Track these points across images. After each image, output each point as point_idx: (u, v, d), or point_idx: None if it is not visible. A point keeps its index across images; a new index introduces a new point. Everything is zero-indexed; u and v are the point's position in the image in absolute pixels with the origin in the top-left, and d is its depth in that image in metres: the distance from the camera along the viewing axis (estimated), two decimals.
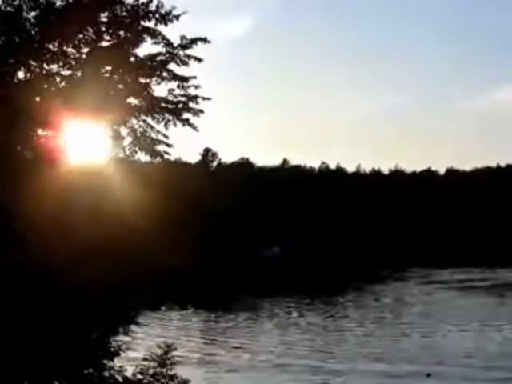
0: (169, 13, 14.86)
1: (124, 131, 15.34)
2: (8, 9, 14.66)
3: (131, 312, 16.63)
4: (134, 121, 15.28)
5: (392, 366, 37.49)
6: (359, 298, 68.20)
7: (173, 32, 14.99)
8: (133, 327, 16.87)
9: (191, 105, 15.28)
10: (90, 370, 15.72)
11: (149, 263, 16.45)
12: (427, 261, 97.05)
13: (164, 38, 15.05)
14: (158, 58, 15.12)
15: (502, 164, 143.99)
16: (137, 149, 15.35)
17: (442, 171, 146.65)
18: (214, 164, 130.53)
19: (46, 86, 14.99)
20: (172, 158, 16.16)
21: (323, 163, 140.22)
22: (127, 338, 16.74)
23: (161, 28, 14.87)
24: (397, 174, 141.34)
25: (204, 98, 15.29)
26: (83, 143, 15.42)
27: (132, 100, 15.33)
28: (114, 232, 14.91)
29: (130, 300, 16.47)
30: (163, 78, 15.21)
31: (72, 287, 14.51)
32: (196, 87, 15.20)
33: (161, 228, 16.70)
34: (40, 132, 15.15)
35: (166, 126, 15.29)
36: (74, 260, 14.45)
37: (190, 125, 15.40)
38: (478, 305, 59.78)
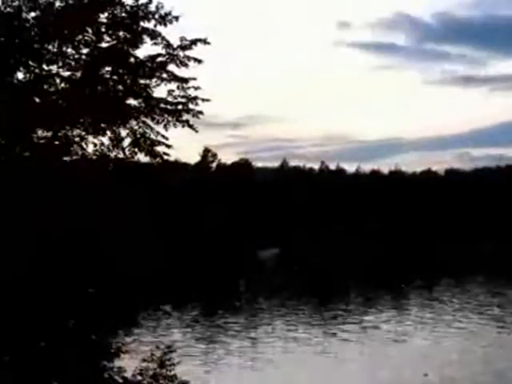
0: (168, 14, 14.89)
1: (123, 132, 15.36)
2: (8, 9, 14.68)
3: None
4: (134, 122, 15.30)
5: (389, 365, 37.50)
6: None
7: None
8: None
9: (191, 106, 15.30)
10: (90, 371, 15.71)
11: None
12: (426, 263, 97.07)
13: (164, 38, 15.06)
14: (158, 59, 15.12)
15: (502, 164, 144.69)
16: (136, 150, 15.37)
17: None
18: (214, 165, 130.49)
19: (45, 86, 14.99)
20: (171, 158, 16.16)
21: (323, 163, 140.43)
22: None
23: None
24: (397, 175, 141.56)
25: (204, 100, 15.31)
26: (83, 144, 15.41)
27: (131, 101, 15.35)
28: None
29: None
30: (163, 79, 15.22)
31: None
32: (196, 88, 15.21)
33: None
34: (40, 133, 15.15)
35: (165, 127, 15.31)
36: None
37: (190, 126, 15.42)
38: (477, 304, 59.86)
